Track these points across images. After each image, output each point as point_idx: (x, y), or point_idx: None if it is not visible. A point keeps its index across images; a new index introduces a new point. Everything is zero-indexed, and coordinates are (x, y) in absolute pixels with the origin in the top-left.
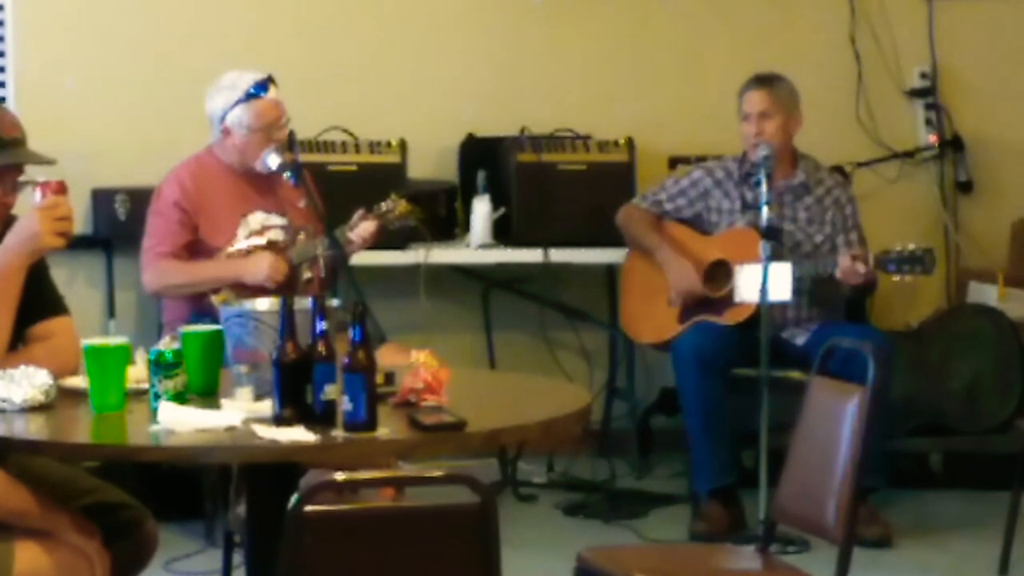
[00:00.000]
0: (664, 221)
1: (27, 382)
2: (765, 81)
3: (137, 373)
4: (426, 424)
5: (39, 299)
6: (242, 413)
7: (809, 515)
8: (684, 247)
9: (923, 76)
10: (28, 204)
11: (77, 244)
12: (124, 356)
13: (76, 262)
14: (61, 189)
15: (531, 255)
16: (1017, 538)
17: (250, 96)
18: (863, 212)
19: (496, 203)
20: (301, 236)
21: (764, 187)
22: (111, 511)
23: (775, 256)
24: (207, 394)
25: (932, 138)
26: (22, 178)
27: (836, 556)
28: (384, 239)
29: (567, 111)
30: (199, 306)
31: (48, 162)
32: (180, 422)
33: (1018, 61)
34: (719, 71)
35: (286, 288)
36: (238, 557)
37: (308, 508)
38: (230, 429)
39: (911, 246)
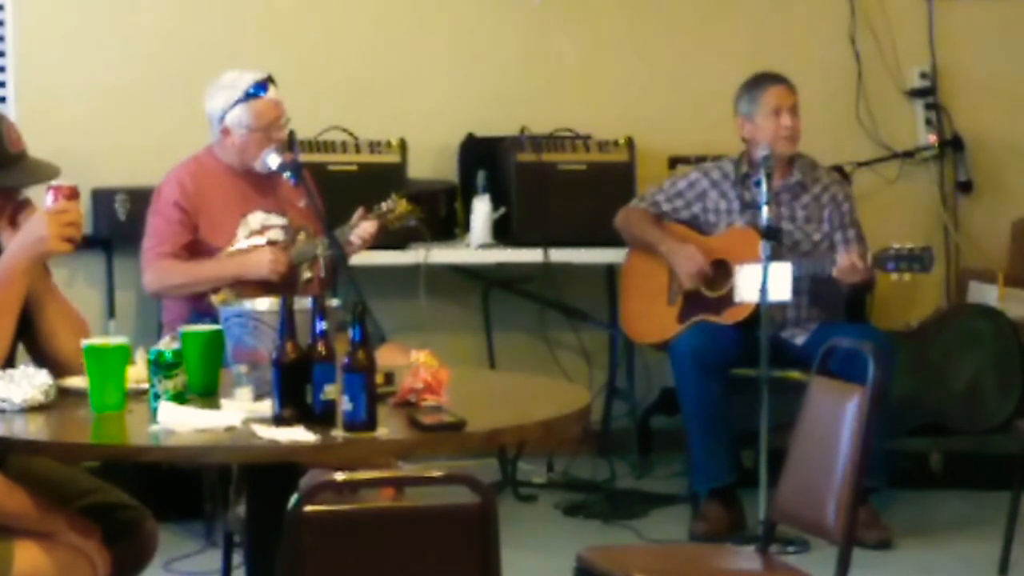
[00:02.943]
0: (663, 221)
1: (27, 382)
2: (784, 78)
3: (137, 373)
4: (426, 424)
5: None
6: (242, 413)
7: (809, 515)
8: (685, 240)
9: (923, 76)
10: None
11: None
12: (124, 356)
13: (76, 262)
14: (73, 194)
15: (531, 255)
16: (1017, 538)
17: (249, 96)
18: (863, 212)
19: (496, 203)
20: (301, 236)
21: (764, 187)
22: (111, 511)
23: (775, 256)
24: (207, 394)
25: (932, 138)
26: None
27: (836, 556)
28: (384, 239)
29: (567, 111)
30: (199, 306)
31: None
32: (180, 422)
33: (1018, 61)
34: (719, 71)
35: (286, 288)
36: (238, 557)
37: (308, 508)
38: (230, 429)
39: (909, 244)
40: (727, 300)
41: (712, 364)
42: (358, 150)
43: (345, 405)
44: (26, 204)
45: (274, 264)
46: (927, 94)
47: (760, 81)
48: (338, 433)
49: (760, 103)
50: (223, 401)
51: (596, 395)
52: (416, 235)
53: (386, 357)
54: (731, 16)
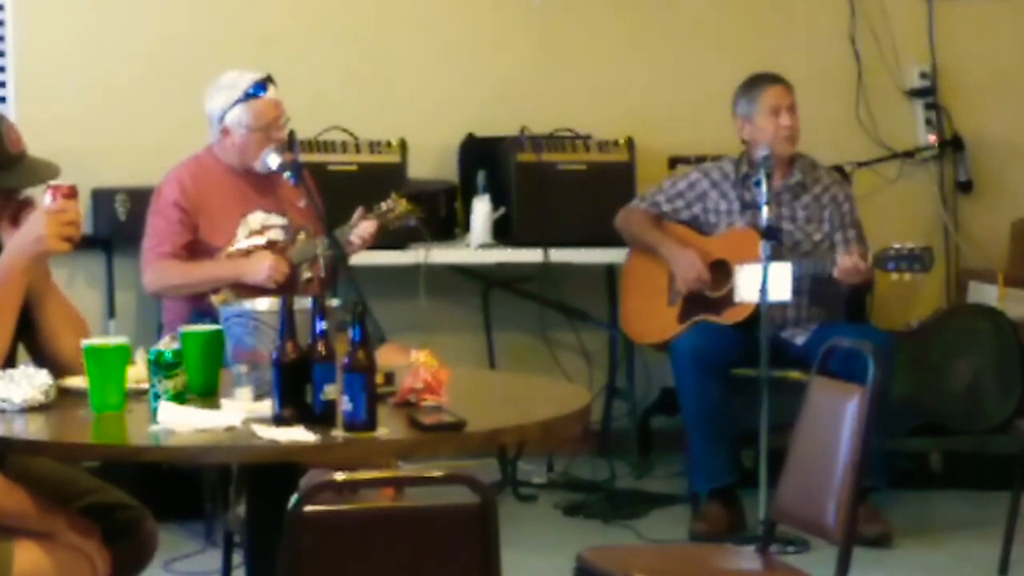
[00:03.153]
0: (663, 222)
1: (27, 382)
2: (781, 77)
3: (137, 373)
4: (426, 424)
5: None
6: (242, 413)
7: (809, 515)
8: (686, 244)
9: (923, 76)
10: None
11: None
12: (124, 356)
13: (76, 262)
14: (72, 194)
15: (531, 255)
16: (1017, 538)
17: (249, 96)
18: (863, 212)
19: (496, 203)
20: (301, 236)
21: (764, 187)
22: (111, 511)
23: (775, 256)
24: (207, 394)
25: (932, 138)
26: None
27: (836, 556)
28: (384, 239)
29: (567, 111)
30: (199, 306)
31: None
32: (180, 422)
33: (1018, 61)
34: (719, 71)
35: (286, 288)
36: (238, 557)
37: (308, 508)
38: (230, 429)
39: (909, 244)
40: (727, 300)
41: (712, 364)
42: (358, 150)
43: (345, 405)
44: (28, 204)
45: (273, 272)
46: (927, 94)
47: (757, 82)
48: (338, 433)
49: (758, 103)
50: (223, 401)
51: (596, 395)
52: (416, 235)
53: (386, 357)
54: (731, 16)
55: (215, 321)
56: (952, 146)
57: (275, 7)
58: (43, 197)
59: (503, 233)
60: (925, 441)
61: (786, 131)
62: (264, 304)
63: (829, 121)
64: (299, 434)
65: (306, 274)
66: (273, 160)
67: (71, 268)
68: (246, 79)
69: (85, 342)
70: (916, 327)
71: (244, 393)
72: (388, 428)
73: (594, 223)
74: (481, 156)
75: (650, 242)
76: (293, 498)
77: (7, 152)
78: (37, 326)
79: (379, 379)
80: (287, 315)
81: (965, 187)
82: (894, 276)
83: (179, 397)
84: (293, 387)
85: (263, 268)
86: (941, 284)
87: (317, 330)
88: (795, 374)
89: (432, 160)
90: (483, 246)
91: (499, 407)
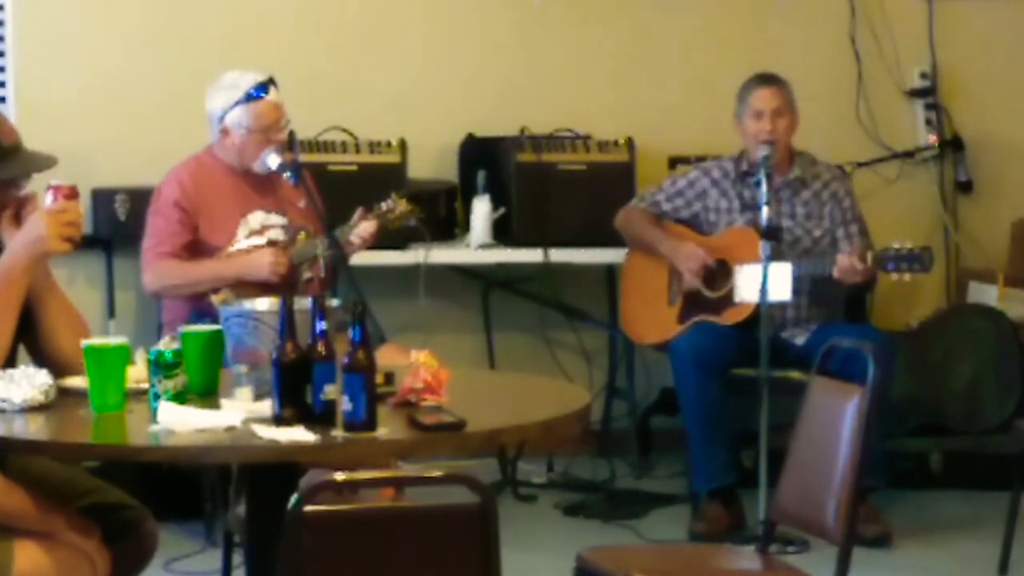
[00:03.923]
0: (663, 221)
1: (27, 382)
2: (773, 80)
3: (137, 373)
4: (426, 424)
5: None
6: (242, 413)
7: (809, 515)
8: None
9: (923, 76)
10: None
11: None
12: (124, 356)
13: (76, 262)
14: (72, 194)
15: (531, 255)
16: (1017, 538)
17: (250, 97)
18: (863, 212)
19: (496, 203)
20: (301, 236)
21: (764, 186)
22: (111, 511)
23: (775, 256)
24: (207, 394)
25: (932, 138)
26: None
27: (836, 556)
28: (384, 239)
29: (567, 111)
30: (199, 306)
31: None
32: (180, 422)
33: (1018, 61)
34: (719, 71)
35: (286, 288)
36: (238, 557)
37: (308, 508)
38: (230, 429)
39: (909, 244)
40: (727, 300)
41: (712, 364)
42: (358, 150)
43: (345, 405)
44: (29, 200)
45: (275, 266)
46: (927, 94)
47: (749, 83)
48: (338, 433)
49: (746, 105)
50: (223, 401)
51: (596, 395)
52: (416, 235)
53: (386, 357)
54: (731, 16)
55: (215, 321)
56: (952, 146)
57: (276, 7)
58: (44, 197)
59: (503, 233)
60: (925, 441)
61: (764, 135)
62: (264, 304)
63: (829, 121)
64: (299, 434)
65: (306, 274)
66: (273, 160)
67: (71, 268)
68: (247, 80)
69: (85, 342)
70: (916, 327)
71: (244, 393)
72: (388, 428)
73: (594, 223)
74: (481, 156)
75: (650, 240)
76: (293, 498)
77: (0, 144)
78: (37, 326)
79: (379, 379)
80: (287, 315)
81: (965, 187)
82: (894, 276)
83: (179, 397)
84: (293, 387)
85: (264, 263)
86: (941, 284)
87: (317, 330)
88: (795, 374)
89: (432, 160)
90: (483, 246)
91: (499, 407)
